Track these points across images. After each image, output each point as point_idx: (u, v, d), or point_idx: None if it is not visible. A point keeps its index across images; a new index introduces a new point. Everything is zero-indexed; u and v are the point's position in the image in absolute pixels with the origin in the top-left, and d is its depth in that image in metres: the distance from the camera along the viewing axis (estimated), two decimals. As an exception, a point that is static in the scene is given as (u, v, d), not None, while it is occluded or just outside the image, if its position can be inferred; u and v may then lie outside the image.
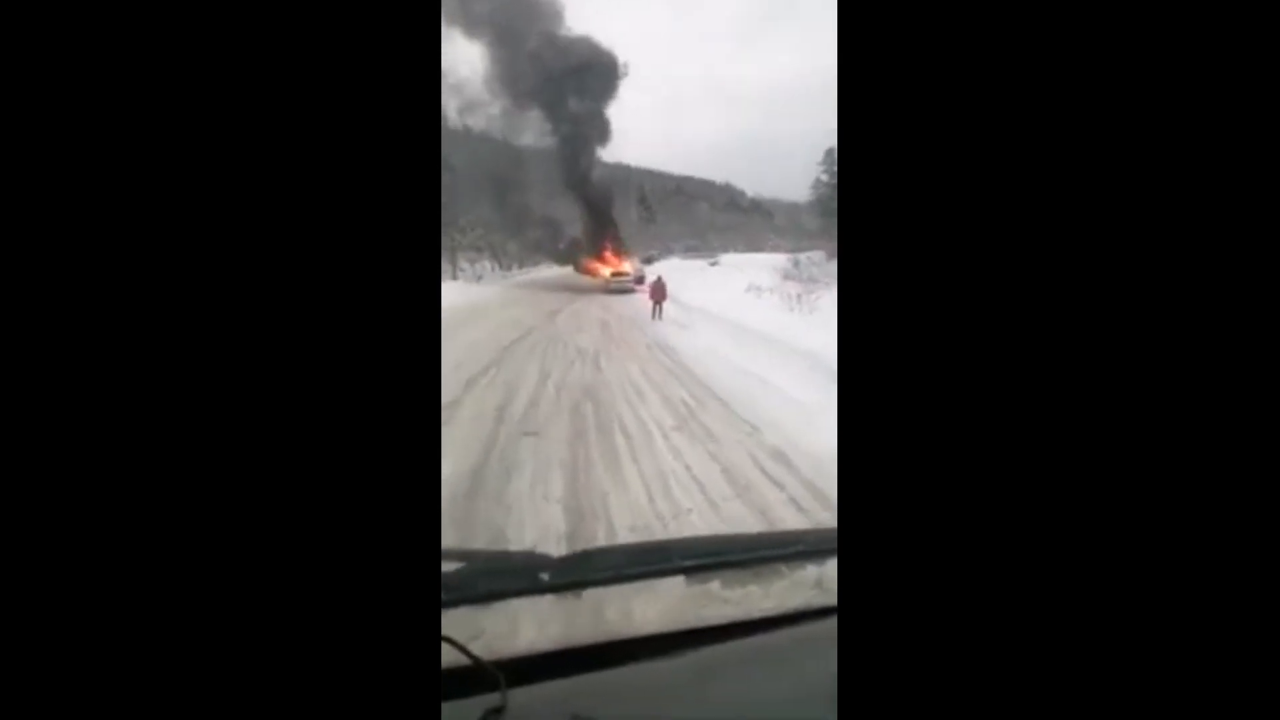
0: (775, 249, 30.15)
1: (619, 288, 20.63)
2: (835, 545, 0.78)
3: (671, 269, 22.73)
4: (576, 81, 25.84)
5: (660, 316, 11.92)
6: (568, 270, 27.04)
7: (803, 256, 22.30)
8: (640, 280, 21.07)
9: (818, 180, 25.82)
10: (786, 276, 16.09)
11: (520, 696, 0.53)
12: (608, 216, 27.29)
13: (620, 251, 26.45)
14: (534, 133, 27.27)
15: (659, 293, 12.56)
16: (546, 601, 0.71)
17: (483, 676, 0.54)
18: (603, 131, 27.56)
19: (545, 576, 0.72)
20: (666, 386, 6.04)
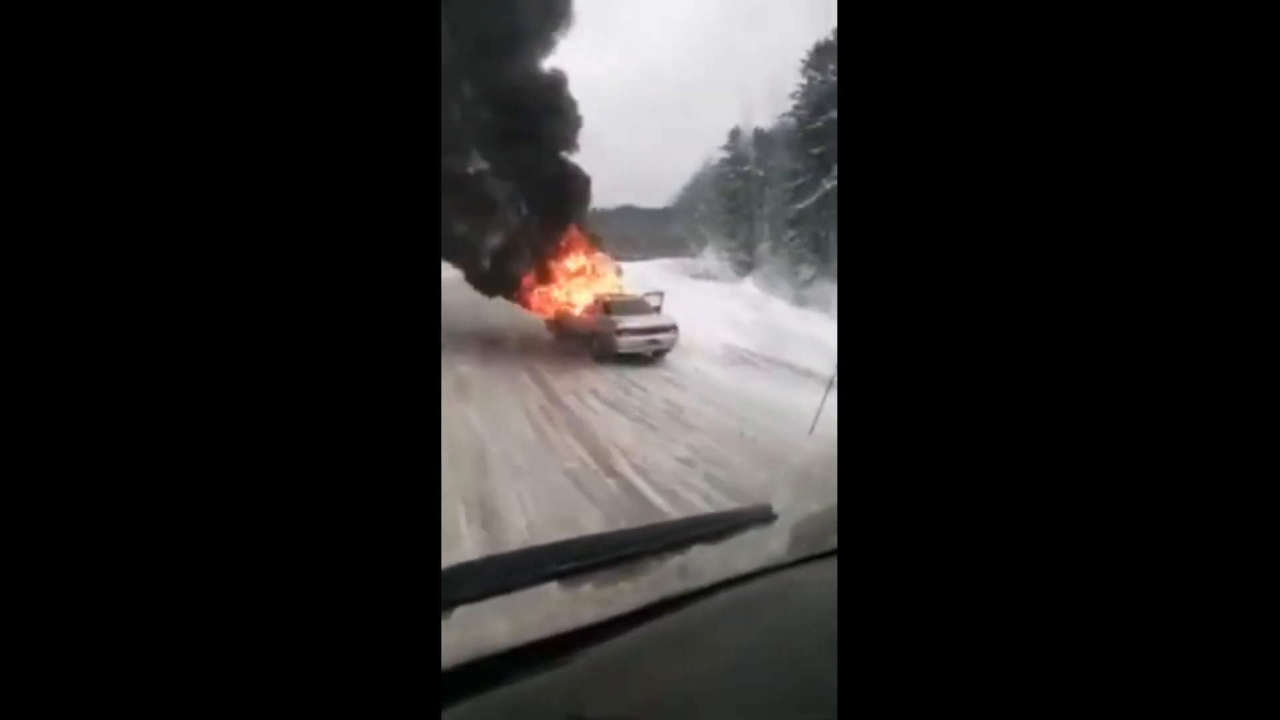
0: (636, 258, 34.86)
1: (632, 348, 8.27)
2: (696, 532, 0.91)
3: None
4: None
5: None
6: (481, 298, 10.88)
7: (669, 262, 21.30)
8: (672, 328, 8.75)
9: (719, 173, 22.04)
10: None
11: None
12: (569, 199, 11.25)
13: (603, 257, 11.64)
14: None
15: None
16: None
17: None
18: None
19: None
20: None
